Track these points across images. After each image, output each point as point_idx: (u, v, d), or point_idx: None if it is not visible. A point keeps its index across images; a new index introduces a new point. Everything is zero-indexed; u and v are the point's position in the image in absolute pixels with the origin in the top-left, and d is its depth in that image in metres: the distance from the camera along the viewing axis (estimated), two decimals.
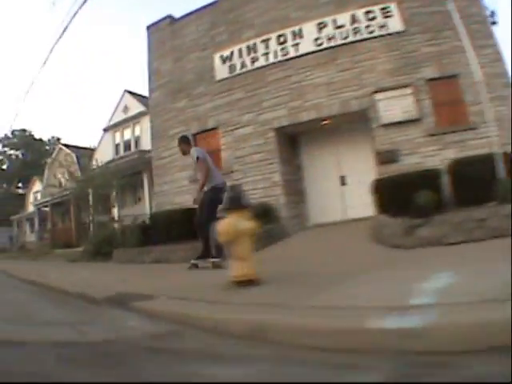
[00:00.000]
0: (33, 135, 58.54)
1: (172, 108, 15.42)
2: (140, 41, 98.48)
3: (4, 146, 57.36)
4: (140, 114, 25.39)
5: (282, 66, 13.25)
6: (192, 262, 7.67)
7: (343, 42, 12.56)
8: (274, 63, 13.38)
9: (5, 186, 55.22)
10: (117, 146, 26.61)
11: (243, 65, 13.95)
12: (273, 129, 13.30)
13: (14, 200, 51.53)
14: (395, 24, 12.18)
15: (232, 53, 14.16)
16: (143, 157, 22.45)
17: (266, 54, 13.53)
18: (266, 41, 13.56)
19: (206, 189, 7.62)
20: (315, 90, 12.78)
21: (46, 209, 36.95)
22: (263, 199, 12.39)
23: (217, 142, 14.22)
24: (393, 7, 12.22)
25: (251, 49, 13.82)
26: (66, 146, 35.39)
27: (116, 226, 17.05)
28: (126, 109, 26.22)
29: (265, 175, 13.15)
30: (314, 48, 12.84)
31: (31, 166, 53.52)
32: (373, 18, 12.33)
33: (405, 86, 11.80)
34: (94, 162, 21.69)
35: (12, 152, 57.98)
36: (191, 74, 15.13)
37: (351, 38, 12.50)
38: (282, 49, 13.23)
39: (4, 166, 57.43)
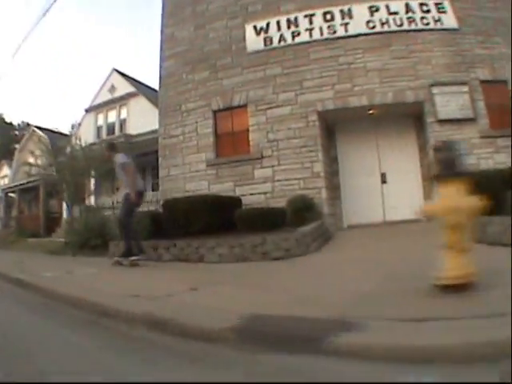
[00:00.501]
0: (3, 118, 54.29)
1: (189, 79, 13.31)
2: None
3: None
4: (128, 96, 22.92)
5: (329, 45, 11.89)
6: (116, 259, 8.18)
7: (398, 28, 11.64)
8: (318, 40, 11.99)
9: None
10: (99, 128, 23.93)
11: (282, 38, 12.31)
12: (316, 111, 11.64)
13: None
14: (449, 21, 11.60)
15: (268, 24, 12.51)
16: (129, 141, 20.19)
17: (310, 29, 12.09)
18: (309, 16, 12.14)
19: (128, 191, 7.94)
20: (367, 75, 11.53)
21: (13, 195, 33.89)
22: (301, 192, 10.90)
23: (243, 122, 12.31)
24: (446, 5, 11.70)
25: (292, 22, 12.30)
26: (39, 128, 32.15)
27: (106, 214, 14.54)
28: (112, 89, 23.59)
29: (304, 164, 11.41)
30: (366, 30, 11.74)
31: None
32: (427, 11, 11.66)
33: (462, 84, 11.16)
34: (74, 143, 18.97)
35: None
36: (215, 44, 13.20)
37: (406, 27, 11.63)
38: (329, 26, 11.97)
39: None
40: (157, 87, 14.69)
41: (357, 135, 12.48)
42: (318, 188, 11.11)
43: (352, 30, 11.75)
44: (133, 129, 21.26)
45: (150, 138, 19.88)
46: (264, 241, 7.66)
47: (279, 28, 12.35)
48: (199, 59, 13.28)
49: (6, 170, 39.44)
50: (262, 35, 12.48)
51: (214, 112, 12.59)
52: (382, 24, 11.64)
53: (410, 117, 11.96)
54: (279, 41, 12.30)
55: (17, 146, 53.43)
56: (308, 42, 12.03)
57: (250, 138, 12.09)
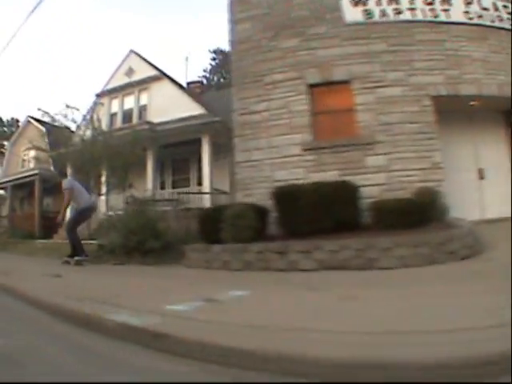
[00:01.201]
0: None
1: (272, 47, 11.08)
2: None
3: None
4: (150, 79, 19.86)
5: (434, 28, 10.61)
6: (65, 258, 9.17)
7: (490, 24, 10.75)
8: (422, 21, 10.68)
9: None
10: (112, 115, 20.59)
11: (384, 13, 10.73)
12: (429, 96, 10.09)
13: None
14: None
15: None
16: (153, 130, 17.15)
17: (412, 9, 10.73)
18: None
19: (78, 208, 9.72)
20: (472, 64, 10.39)
21: (3, 192, 30.04)
22: (419, 184, 9.03)
23: (347, 100, 10.31)
24: None
25: None
26: (36, 120, 28.30)
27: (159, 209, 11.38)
28: (130, 71, 20.19)
29: (420, 153, 9.66)
30: (464, 20, 10.70)
31: None
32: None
33: None
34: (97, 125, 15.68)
35: None
36: (304, 11, 11.14)
37: (497, 24, 10.79)
38: (430, 9, 10.69)
39: None
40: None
41: (455, 127, 11.08)
42: (437, 181, 9.31)
43: (453, 17, 10.62)
44: (155, 116, 18.35)
45: (178, 127, 17.20)
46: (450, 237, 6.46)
47: (379, 2, 10.74)
48: (283, 25, 11.16)
49: None
50: (360, 7, 10.79)
51: (310, 86, 10.51)
52: (478, 17, 10.70)
53: (503, 113, 11.15)
54: (381, 15, 10.70)
55: (5, 142, 49.77)
56: (411, 22, 10.61)
57: (358, 120, 10.09)
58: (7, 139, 49.10)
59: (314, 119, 10.35)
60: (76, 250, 9.09)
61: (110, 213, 18.29)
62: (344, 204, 7.79)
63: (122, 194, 17.51)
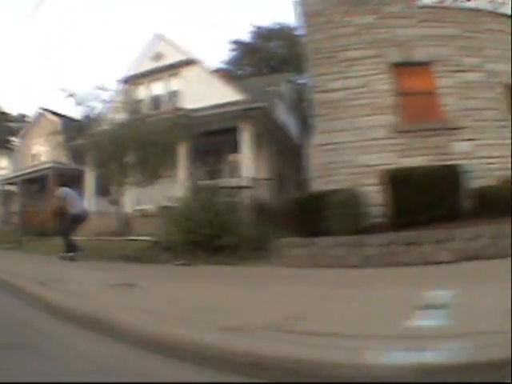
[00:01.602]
0: None
1: (347, 22, 10.42)
2: None
3: None
4: (181, 64, 17.98)
5: (496, 19, 10.21)
6: (61, 255, 9.35)
7: None
8: (486, 11, 10.30)
9: None
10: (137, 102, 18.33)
11: None
12: (502, 84, 9.67)
13: None
14: None
15: None
16: (189, 116, 15.35)
17: None
18: None
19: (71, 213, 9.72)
20: None
21: (13, 188, 28.13)
22: (499, 172, 8.27)
23: (428, 83, 9.83)
24: None
25: None
26: (50, 112, 26.45)
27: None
28: (158, 56, 18.33)
29: (499, 140, 9.04)
30: None
31: None
32: None
33: None
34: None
35: None
36: None
37: None
38: (490, 1, 10.33)
39: None
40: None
41: None
42: None
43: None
44: (188, 103, 16.53)
45: (215, 114, 15.62)
46: None
47: None
48: (357, 1, 10.63)
49: (3, 161, 33.53)
50: None
51: (391, 65, 9.95)
52: None
53: None
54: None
55: (13, 138, 47.79)
56: (476, 10, 10.26)
57: (442, 103, 9.62)
58: (14, 135, 47.32)
59: (398, 100, 9.67)
60: (69, 247, 9.42)
61: (139, 207, 16.63)
62: (453, 190, 7.45)
63: (150, 186, 15.88)
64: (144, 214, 15.80)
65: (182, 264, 7.26)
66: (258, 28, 34.67)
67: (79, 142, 16.64)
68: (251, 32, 34.58)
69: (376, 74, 9.91)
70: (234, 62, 32.79)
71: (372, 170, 8.58)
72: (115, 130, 13.45)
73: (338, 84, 9.96)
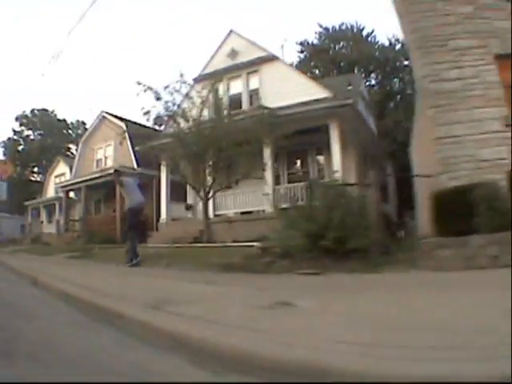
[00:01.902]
0: (55, 115, 48.30)
1: (449, 11, 9.58)
2: None
3: (21, 125, 46.77)
4: (259, 61, 16.76)
5: None
6: (128, 265, 8.57)
7: None
8: None
9: (19, 170, 44.11)
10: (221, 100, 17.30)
11: None
12: None
13: (28, 187, 41.33)
14: None
15: None
16: (275, 115, 13.87)
17: None
18: None
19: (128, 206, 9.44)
20: None
21: (73, 195, 27.67)
22: None
23: None
24: None
25: None
26: (113, 116, 25.79)
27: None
28: (233, 53, 17.12)
29: None
30: None
31: (50, 150, 43.51)
32: None
33: None
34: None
35: (29, 133, 47.35)
36: None
37: None
38: None
39: (19, 148, 46.41)
40: None
41: None
42: None
43: None
44: (270, 101, 15.19)
45: (302, 112, 14.27)
46: None
47: None
48: None
49: (63, 168, 33.26)
50: None
51: (496, 57, 9.08)
52: None
53: None
54: None
55: (71, 145, 48.15)
56: None
57: None
58: (72, 142, 47.66)
59: (506, 93, 8.85)
60: (134, 250, 8.88)
61: (219, 213, 15.42)
62: None
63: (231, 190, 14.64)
64: (225, 220, 14.59)
65: (309, 273, 5.84)
66: (325, 29, 33.39)
67: (153, 143, 15.66)
68: (318, 33, 33.34)
69: (484, 65, 9.19)
70: (303, 64, 31.48)
71: (492, 164, 7.94)
72: (199, 129, 12.30)
73: (454, 73, 9.18)
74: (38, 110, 46.89)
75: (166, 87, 12.54)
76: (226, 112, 13.38)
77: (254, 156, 12.53)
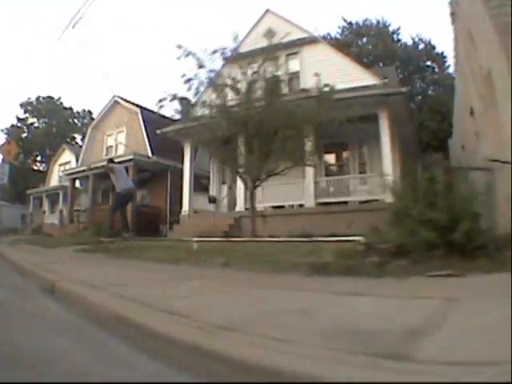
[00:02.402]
0: (61, 103, 46.48)
1: None
2: None
3: (25, 112, 44.94)
4: (300, 42, 15.35)
5: None
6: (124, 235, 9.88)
7: None
8: None
9: (21, 157, 42.15)
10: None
11: None
12: None
13: (30, 175, 39.56)
14: None
15: None
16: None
17: None
18: None
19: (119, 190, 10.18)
20: None
21: (78, 184, 26.08)
22: None
23: None
24: None
25: None
26: (126, 100, 24.17)
27: None
28: (269, 33, 15.37)
29: None
30: None
31: (55, 139, 41.77)
32: None
33: None
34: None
35: (34, 120, 45.48)
36: None
37: None
38: None
39: (23, 136, 44.39)
40: None
41: None
42: None
43: None
44: (310, 85, 13.34)
45: (349, 99, 12.43)
46: None
47: None
48: None
49: (68, 156, 31.61)
50: None
51: None
52: None
53: None
54: None
55: (76, 135, 46.46)
56: None
57: None
58: (78, 132, 45.97)
59: None
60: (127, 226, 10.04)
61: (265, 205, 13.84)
62: None
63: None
64: (258, 214, 13.03)
65: (441, 275, 4.21)
66: (349, 24, 31.97)
67: (177, 126, 14.08)
68: (341, 28, 31.91)
69: None
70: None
71: None
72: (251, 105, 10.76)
73: None
74: (43, 98, 45.12)
75: (214, 52, 10.94)
76: (276, 93, 11.75)
77: (303, 142, 11.00)
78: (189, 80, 11.03)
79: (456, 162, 15.71)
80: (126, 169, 11.04)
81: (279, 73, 14.37)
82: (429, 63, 32.93)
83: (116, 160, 20.65)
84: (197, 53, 11.01)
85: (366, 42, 31.35)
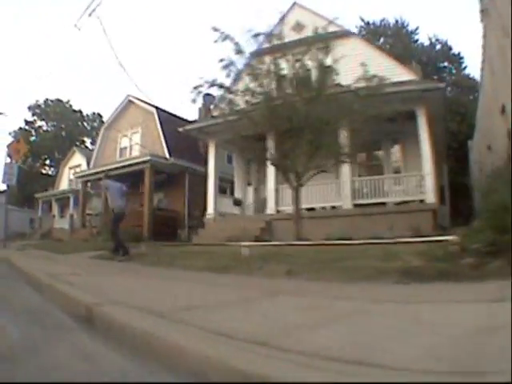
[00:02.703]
0: (71, 105, 45.82)
1: None
2: None
3: (34, 115, 44.30)
4: (332, 36, 14.18)
5: None
6: (118, 259, 8.63)
7: None
8: None
9: (29, 161, 41.52)
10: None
11: None
12: None
13: (38, 179, 38.94)
14: None
15: None
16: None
17: None
18: None
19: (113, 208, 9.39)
20: None
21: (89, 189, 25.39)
22: None
23: None
24: None
25: None
26: (141, 100, 23.40)
27: None
28: (298, 27, 14.81)
29: None
30: None
31: (64, 142, 41.15)
32: None
33: None
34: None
35: (42, 123, 44.84)
36: None
37: None
38: None
39: (31, 139, 43.46)
40: None
41: None
42: None
43: None
44: (344, 82, 12.63)
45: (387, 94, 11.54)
46: None
47: None
48: None
49: (79, 159, 30.98)
50: None
51: None
52: None
53: None
54: None
55: (85, 138, 45.82)
56: None
57: None
58: (88, 135, 45.34)
59: None
60: (117, 248, 9.00)
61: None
62: None
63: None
64: (290, 217, 12.30)
65: None
66: (366, 23, 31.31)
67: (202, 123, 13.39)
68: (358, 27, 31.28)
69: None
70: None
71: None
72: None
73: None
74: (51, 101, 44.48)
75: (257, 35, 10.29)
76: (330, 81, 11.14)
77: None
78: (227, 65, 10.37)
79: (479, 163, 15.04)
80: (126, 189, 10.30)
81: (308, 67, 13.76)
82: (446, 64, 32.26)
83: (130, 162, 20.25)
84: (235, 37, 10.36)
85: (383, 42, 30.62)
